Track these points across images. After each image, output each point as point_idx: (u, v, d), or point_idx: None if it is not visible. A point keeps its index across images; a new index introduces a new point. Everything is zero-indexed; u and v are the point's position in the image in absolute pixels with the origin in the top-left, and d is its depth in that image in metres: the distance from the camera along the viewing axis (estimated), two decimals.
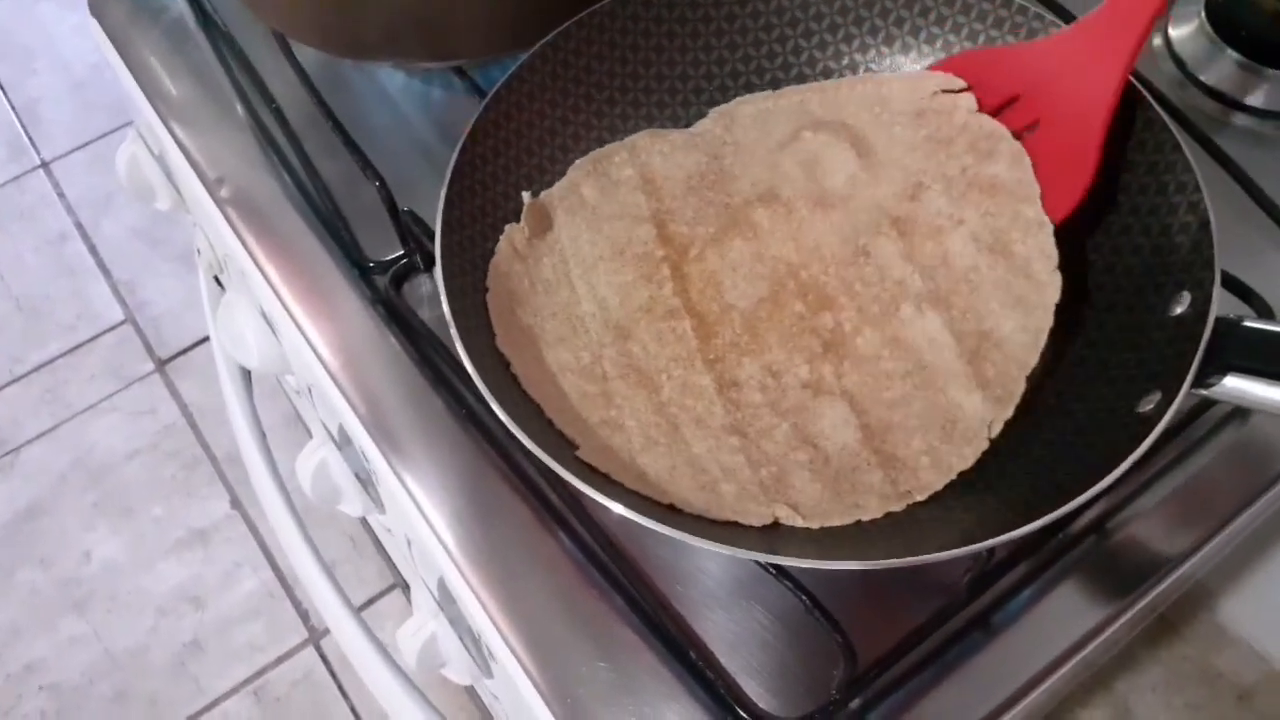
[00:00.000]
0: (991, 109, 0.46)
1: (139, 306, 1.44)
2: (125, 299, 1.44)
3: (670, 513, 0.38)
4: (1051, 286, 0.43)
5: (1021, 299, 0.43)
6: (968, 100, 0.47)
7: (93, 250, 1.49)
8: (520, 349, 0.43)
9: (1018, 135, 0.46)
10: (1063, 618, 0.44)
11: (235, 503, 1.27)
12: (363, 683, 0.60)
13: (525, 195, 0.47)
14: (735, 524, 0.39)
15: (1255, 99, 0.55)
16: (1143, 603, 0.44)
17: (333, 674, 1.17)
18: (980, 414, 0.41)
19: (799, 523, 0.39)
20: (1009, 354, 0.42)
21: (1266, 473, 0.46)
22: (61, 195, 1.55)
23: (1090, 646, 0.43)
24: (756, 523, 0.39)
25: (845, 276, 0.45)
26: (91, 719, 1.15)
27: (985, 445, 0.41)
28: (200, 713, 1.15)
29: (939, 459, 0.41)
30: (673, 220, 0.47)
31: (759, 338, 0.44)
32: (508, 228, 0.46)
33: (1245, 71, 0.55)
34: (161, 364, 1.39)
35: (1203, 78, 0.55)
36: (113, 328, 1.42)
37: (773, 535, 0.39)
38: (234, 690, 1.16)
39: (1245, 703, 0.99)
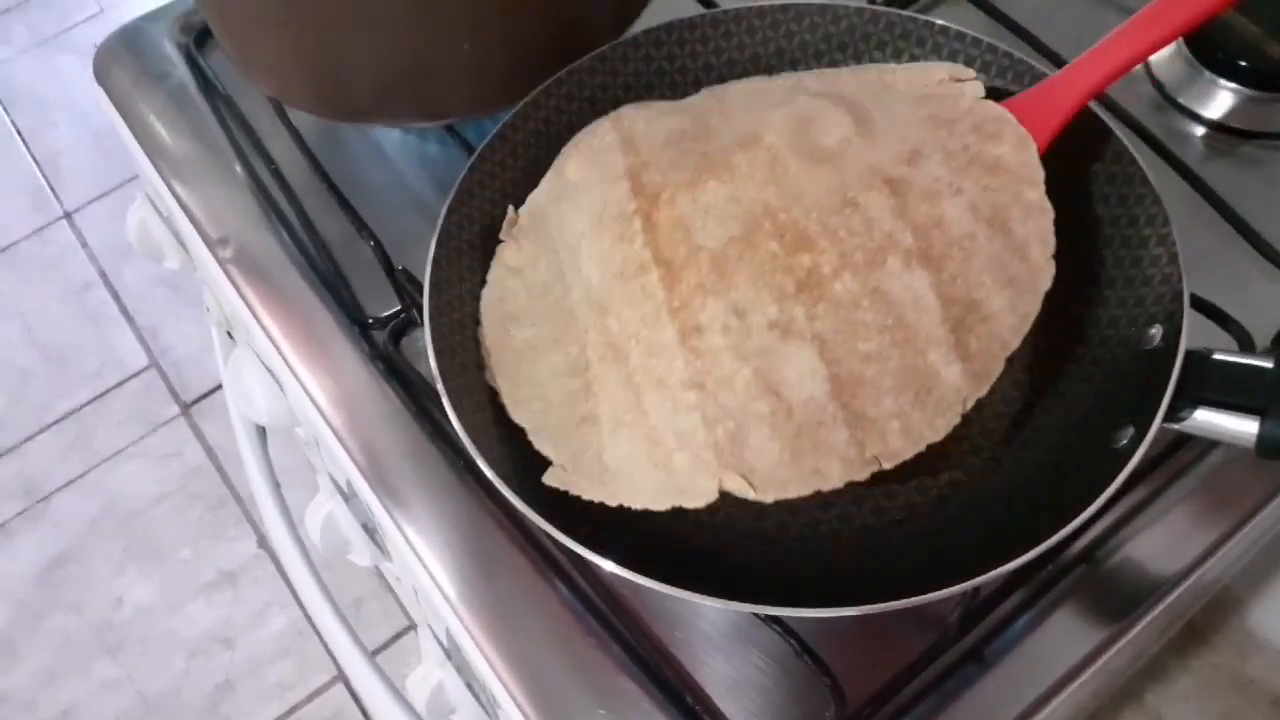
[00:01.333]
0: None
1: (162, 352, 1.46)
2: (149, 345, 1.47)
3: (661, 568, 0.39)
4: (1045, 274, 0.41)
5: (1014, 279, 0.40)
6: (974, 87, 0.45)
7: (116, 298, 1.52)
8: (512, 373, 0.42)
9: None
10: (1057, 646, 0.44)
11: (262, 542, 1.29)
12: None
13: (510, 209, 0.47)
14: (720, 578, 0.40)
15: (1235, 121, 0.55)
16: (1135, 630, 0.45)
17: (363, 711, 1.18)
18: (958, 386, 0.39)
19: (750, 495, 0.38)
20: (994, 330, 0.40)
21: (1255, 496, 0.46)
22: (84, 245, 1.58)
23: (1085, 674, 0.44)
24: (701, 501, 0.38)
25: (829, 222, 0.41)
26: None
27: (958, 420, 0.39)
28: None
29: (910, 426, 0.39)
30: (646, 170, 0.44)
31: (727, 277, 0.41)
32: (498, 249, 0.46)
33: (1224, 94, 0.55)
34: (186, 407, 1.41)
35: (1182, 101, 0.56)
36: (137, 374, 1.45)
37: (754, 583, 0.40)
38: None
39: (1279, 708, 0.97)
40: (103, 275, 1.54)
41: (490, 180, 0.48)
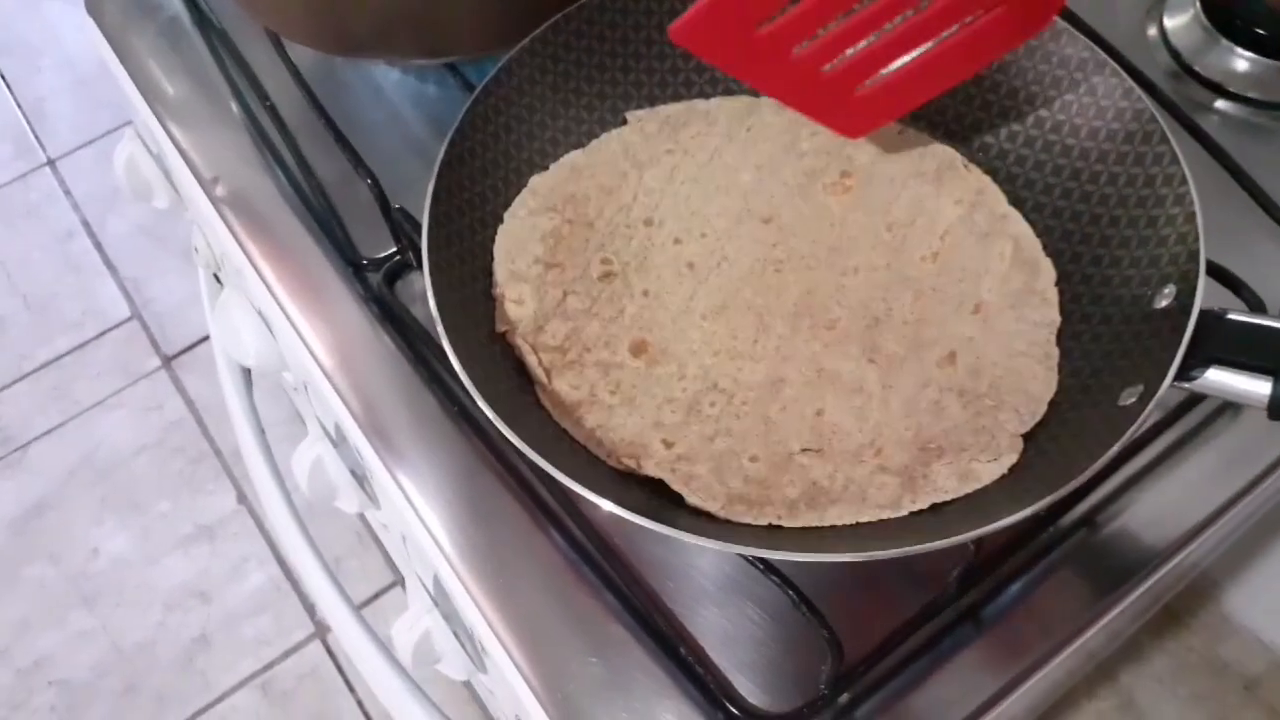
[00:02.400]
0: None
1: (145, 303, 1.44)
2: (132, 295, 1.45)
3: (656, 509, 0.38)
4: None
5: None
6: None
7: (99, 247, 1.50)
8: None
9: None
10: (1053, 611, 0.44)
11: (242, 497, 1.28)
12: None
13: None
14: (724, 521, 0.39)
15: (1251, 90, 0.54)
16: (1133, 595, 0.44)
17: (339, 668, 1.17)
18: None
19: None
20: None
21: (1256, 466, 0.46)
22: (68, 192, 1.55)
23: (1080, 640, 0.43)
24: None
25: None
26: (100, 714, 1.15)
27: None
28: (208, 707, 1.16)
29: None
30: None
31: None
32: None
33: (1241, 62, 0.55)
34: (168, 360, 1.40)
35: (1198, 68, 0.55)
36: (119, 324, 1.43)
37: (760, 529, 0.39)
38: (241, 684, 1.17)
39: (1251, 692, 0.98)
40: (85, 224, 1.52)
41: (494, 115, 0.47)
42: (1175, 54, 0.56)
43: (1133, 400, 0.38)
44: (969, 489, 0.40)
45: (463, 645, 0.51)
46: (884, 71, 0.44)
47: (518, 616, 0.44)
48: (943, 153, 0.48)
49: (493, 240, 0.47)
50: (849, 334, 0.44)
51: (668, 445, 0.42)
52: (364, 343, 0.52)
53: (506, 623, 0.44)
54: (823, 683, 0.41)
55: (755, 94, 0.50)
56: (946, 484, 0.40)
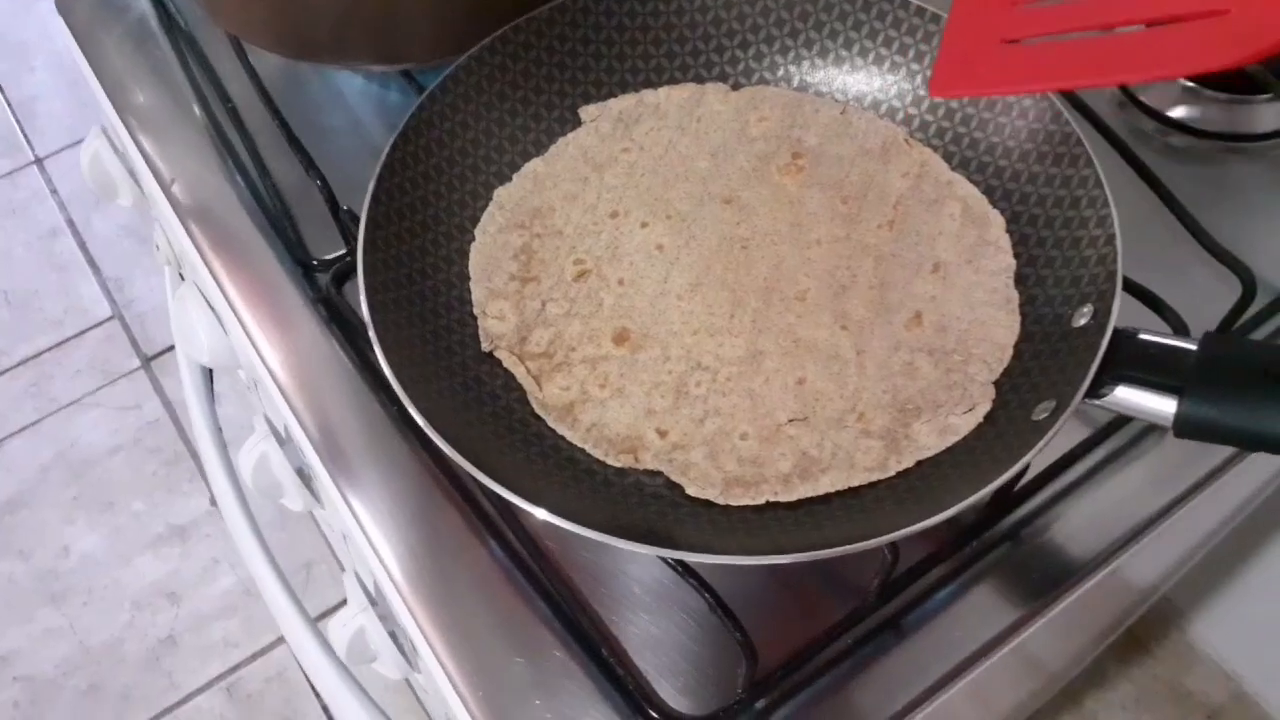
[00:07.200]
0: None
1: (126, 303, 1.45)
2: (113, 295, 1.46)
3: (583, 514, 0.39)
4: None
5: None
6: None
7: (83, 246, 1.50)
8: None
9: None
10: (974, 622, 0.44)
11: (215, 500, 1.28)
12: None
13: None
14: (643, 525, 0.40)
15: (1192, 119, 0.55)
16: (1055, 608, 0.45)
17: (305, 673, 1.17)
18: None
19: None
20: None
21: (1181, 484, 0.46)
22: (54, 191, 1.56)
23: (1002, 650, 0.44)
24: None
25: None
26: (63, 712, 1.15)
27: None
28: (173, 708, 1.16)
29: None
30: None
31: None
32: None
33: (1186, 94, 0.56)
34: (147, 360, 1.40)
35: (1142, 97, 0.56)
36: (100, 324, 1.44)
37: (675, 530, 0.40)
38: (207, 686, 1.17)
39: None
40: (70, 223, 1.53)
41: (440, 121, 0.48)
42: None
43: (1045, 415, 0.38)
44: (949, 443, 0.41)
45: (399, 647, 0.51)
46: (1054, 36, 0.39)
47: (449, 617, 0.45)
48: (886, 129, 0.50)
49: (437, 241, 0.47)
50: (819, 303, 0.45)
51: (661, 434, 0.43)
52: (312, 343, 0.52)
53: (436, 623, 0.45)
54: (740, 687, 0.41)
55: (699, 80, 0.52)
56: (928, 441, 0.42)
